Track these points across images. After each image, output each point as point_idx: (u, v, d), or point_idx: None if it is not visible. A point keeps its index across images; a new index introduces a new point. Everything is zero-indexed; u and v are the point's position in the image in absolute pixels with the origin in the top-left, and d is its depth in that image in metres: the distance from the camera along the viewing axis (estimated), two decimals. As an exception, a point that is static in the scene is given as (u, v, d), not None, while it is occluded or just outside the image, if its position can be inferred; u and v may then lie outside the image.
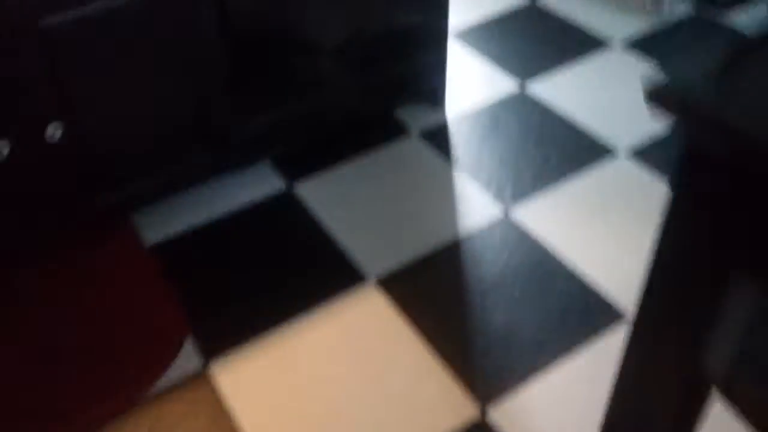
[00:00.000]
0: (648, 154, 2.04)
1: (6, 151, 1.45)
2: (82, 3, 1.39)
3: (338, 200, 1.93)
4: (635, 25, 2.53)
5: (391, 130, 2.13)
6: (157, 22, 1.51)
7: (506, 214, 1.88)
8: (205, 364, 1.57)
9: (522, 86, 2.29)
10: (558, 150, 2.06)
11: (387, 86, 2.04)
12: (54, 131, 1.50)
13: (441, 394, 1.50)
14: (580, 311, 1.65)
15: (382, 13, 1.88)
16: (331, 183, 1.97)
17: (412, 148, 2.08)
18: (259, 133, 1.86)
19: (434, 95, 2.17)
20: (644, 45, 2.45)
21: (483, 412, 1.47)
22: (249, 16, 1.64)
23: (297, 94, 1.87)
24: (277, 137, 1.92)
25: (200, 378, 1.54)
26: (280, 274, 1.75)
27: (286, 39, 1.76)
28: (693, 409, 0.87)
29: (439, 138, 2.11)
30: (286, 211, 1.91)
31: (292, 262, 1.78)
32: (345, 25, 1.84)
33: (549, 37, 2.51)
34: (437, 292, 1.71)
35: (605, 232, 1.83)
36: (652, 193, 1.93)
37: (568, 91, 2.27)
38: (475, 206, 1.90)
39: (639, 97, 2.25)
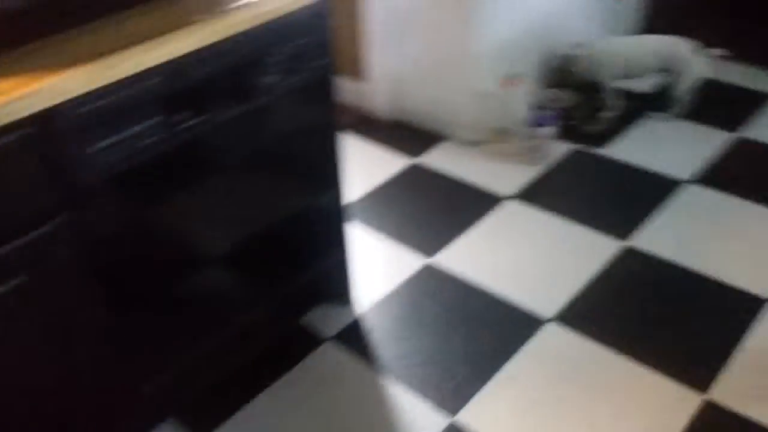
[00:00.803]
0: (573, 317, 1.94)
1: None
2: None
3: (260, 443, 1.65)
4: (521, 174, 2.50)
5: (302, 343, 1.89)
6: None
7: (452, 423, 1.67)
8: None
9: (428, 260, 2.15)
10: (486, 329, 1.91)
11: (289, 293, 1.82)
12: None
13: None
14: None
15: (270, 209, 1.69)
16: (248, 424, 1.69)
17: (329, 359, 1.84)
18: (157, 393, 1.57)
19: (341, 293, 1.98)
20: (534, 192, 2.41)
21: None
22: (115, 246, 1.38)
23: (191, 332, 1.62)
24: (177, 390, 1.63)
25: None
26: None
27: (166, 260, 1.51)
28: None
29: (355, 339, 1.90)
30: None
31: None
32: (231, 230, 1.62)
33: (440, 198, 2.42)
34: None
35: (564, 412, 1.67)
36: (591, 357, 1.81)
37: (475, 257, 2.15)
38: (415, 418, 1.69)
39: (544, 251, 2.17)
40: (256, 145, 1.57)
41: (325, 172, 1.77)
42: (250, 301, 1.72)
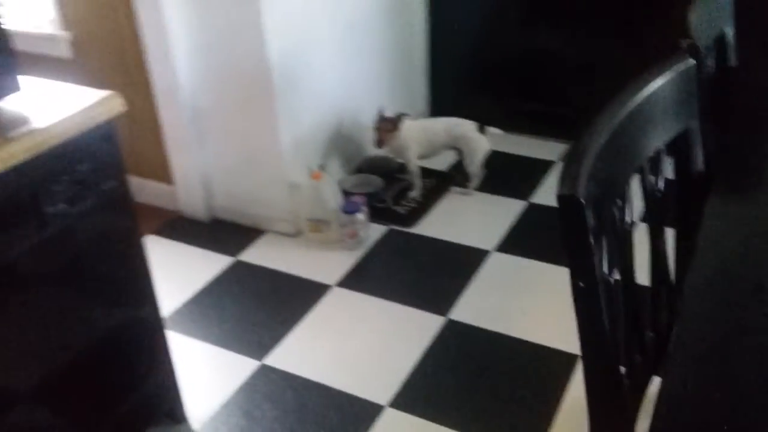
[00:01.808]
0: (408, 399, 1.99)
1: None
2: None
3: None
4: (342, 261, 2.56)
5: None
6: None
7: None
8: None
9: (260, 362, 2.12)
10: (328, 426, 1.90)
11: (117, 418, 1.71)
12: None
13: None
14: None
15: (83, 333, 1.58)
16: None
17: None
18: None
19: (173, 411, 1.88)
20: (357, 278, 2.48)
21: None
22: None
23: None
24: None
25: None
26: None
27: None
28: None
29: (194, 459, 1.82)
30: None
31: None
32: (43, 360, 1.50)
33: (265, 294, 2.41)
34: None
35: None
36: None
37: (308, 351, 2.16)
38: None
39: (373, 336, 2.23)
40: (58, 272, 1.49)
41: (137, 287, 1.71)
42: (65, 420, 1.59)
